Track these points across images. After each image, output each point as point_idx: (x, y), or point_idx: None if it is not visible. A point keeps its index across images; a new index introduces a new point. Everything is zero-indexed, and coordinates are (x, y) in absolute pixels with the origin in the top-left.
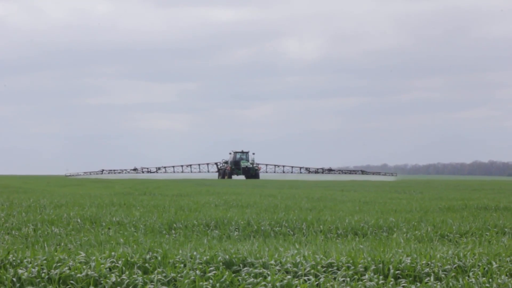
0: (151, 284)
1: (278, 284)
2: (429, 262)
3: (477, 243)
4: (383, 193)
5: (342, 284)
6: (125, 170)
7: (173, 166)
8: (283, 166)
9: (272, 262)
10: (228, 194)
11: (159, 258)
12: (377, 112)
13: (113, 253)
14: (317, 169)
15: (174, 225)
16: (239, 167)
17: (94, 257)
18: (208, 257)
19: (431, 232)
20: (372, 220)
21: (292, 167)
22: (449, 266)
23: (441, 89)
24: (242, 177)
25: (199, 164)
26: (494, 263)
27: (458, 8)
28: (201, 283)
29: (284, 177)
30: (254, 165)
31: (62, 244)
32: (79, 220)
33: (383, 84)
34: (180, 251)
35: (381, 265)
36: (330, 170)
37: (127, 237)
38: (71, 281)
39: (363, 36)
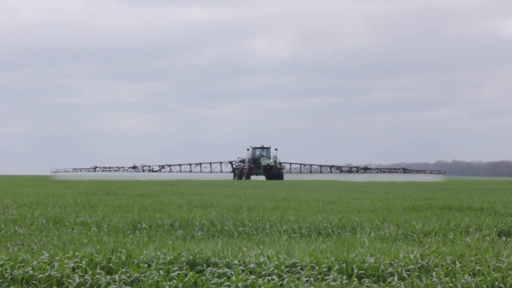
0: (114, 284)
1: (242, 284)
2: (392, 262)
3: (440, 243)
4: (347, 192)
5: (306, 284)
6: (122, 167)
7: (180, 165)
8: (310, 165)
9: (236, 262)
10: (192, 194)
11: (123, 258)
12: (345, 112)
13: (76, 253)
14: (351, 167)
15: (138, 225)
16: (259, 166)
17: (58, 257)
18: (172, 257)
19: (394, 231)
20: (336, 220)
21: (321, 166)
22: (412, 266)
23: (410, 89)
24: (262, 177)
25: (210, 163)
26: (457, 262)
27: (431, 8)
28: (164, 283)
29: (312, 177)
30: (277, 163)
31: (26, 244)
32: (43, 221)
33: (354, 84)
34: (144, 251)
35: (344, 265)
36: (366, 169)
37: (91, 237)
38: (34, 282)
39: (334, 36)
